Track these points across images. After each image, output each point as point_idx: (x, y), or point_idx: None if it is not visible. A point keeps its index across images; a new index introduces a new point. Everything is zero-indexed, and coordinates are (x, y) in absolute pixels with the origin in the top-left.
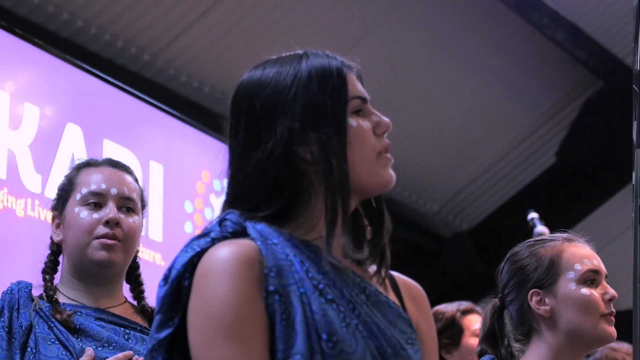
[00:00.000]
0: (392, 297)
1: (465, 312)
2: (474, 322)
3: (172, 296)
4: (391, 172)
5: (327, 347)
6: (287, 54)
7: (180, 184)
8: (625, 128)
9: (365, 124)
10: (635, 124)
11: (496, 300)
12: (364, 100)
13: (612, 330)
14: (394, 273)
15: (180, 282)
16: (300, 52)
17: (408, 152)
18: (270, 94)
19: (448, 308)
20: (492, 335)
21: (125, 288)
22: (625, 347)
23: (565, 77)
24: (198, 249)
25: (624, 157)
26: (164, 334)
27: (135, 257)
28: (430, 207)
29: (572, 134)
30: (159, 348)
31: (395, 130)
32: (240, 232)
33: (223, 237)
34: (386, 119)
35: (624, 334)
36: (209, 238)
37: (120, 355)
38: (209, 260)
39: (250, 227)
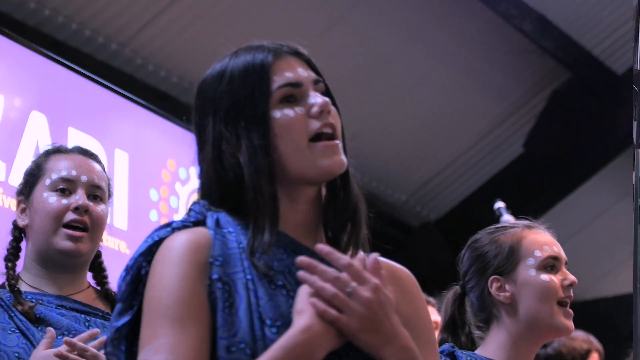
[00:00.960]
0: None
1: None
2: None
3: (131, 285)
4: (334, 158)
5: (270, 332)
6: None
7: (145, 172)
8: (592, 119)
9: (297, 110)
10: (635, 124)
11: (457, 287)
12: (295, 85)
13: (570, 323)
14: (381, 258)
15: (139, 271)
16: (241, 46)
17: (376, 143)
18: (204, 92)
19: None
20: (452, 324)
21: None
22: (581, 335)
23: (533, 68)
24: (157, 238)
25: (591, 148)
26: (121, 321)
27: (100, 255)
28: (398, 197)
29: (539, 125)
30: (120, 337)
31: (363, 120)
32: (202, 221)
33: (184, 227)
34: (320, 99)
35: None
36: (170, 228)
37: (85, 334)
38: (163, 248)
39: (209, 216)
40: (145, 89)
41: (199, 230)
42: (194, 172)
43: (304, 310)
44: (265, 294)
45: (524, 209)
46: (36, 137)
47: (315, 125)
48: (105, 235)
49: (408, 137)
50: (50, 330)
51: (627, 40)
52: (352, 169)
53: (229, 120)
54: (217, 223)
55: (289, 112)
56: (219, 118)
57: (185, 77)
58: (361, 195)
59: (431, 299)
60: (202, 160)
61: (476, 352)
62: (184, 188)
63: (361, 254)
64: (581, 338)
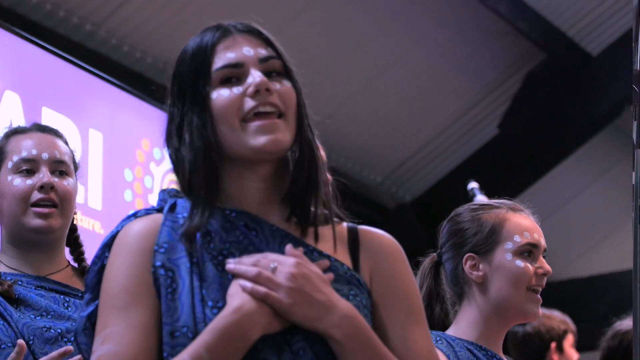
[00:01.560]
0: (342, 252)
1: None
2: None
3: (97, 275)
4: (267, 137)
5: (211, 313)
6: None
7: (120, 152)
8: (567, 100)
9: (234, 90)
10: (635, 124)
11: (434, 255)
12: (234, 66)
13: (537, 310)
14: (363, 227)
15: (102, 261)
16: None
17: (351, 124)
18: (170, 76)
19: None
20: (427, 296)
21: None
22: (558, 315)
23: (507, 49)
24: (120, 228)
25: (566, 129)
26: (87, 310)
27: (73, 219)
28: (373, 178)
29: (514, 106)
30: (90, 325)
31: (338, 101)
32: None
33: (146, 214)
34: (258, 78)
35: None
36: (133, 217)
37: (55, 353)
38: (118, 238)
39: (169, 202)
40: (120, 70)
41: (154, 217)
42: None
43: (235, 293)
44: (210, 275)
45: (498, 190)
46: (9, 117)
47: (250, 104)
48: (79, 215)
49: (383, 118)
50: (20, 345)
51: (602, 22)
52: (322, 147)
53: (177, 101)
54: (172, 208)
55: (224, 92)
56: (171, 99)
57: (160, 58)
58: (327, 170)
59: None
60: (167, 147)
61: (448, 331)
62: (158, 168)
63: (344, 225)
64: (559, 318)
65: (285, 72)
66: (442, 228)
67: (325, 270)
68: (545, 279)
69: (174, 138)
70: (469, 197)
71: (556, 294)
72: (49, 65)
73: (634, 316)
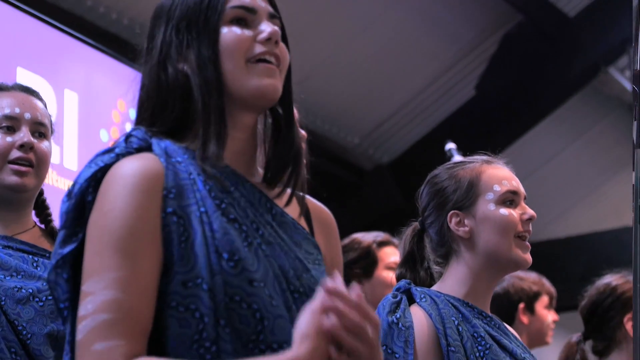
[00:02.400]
0: (301, 219)
1: (382, 244)
2: (390, 255)
3: (75, 211)
4: (269, 80)
5: (228, 266)
6: None
7: (95, 112)
8: (543, 62)
9: (245, 31)
10: (635, 124)
11: (416, 223)
12: (249, 10)
13: (528, 256)
14: (306, 197)
15: (83, 197)
16: None
17: (328, 85)
18: (161, 5)
19: (365, 238)
20: (411, 259)
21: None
22: (532, 276)
23: (484, 10)
24: (102, 164)
25: (543, 91)
26: (67, 249)
27: (42, 193)
28: (350, 140)
29: (491, 68)
30: (64, 264)
31: (315, 63)
32: (145, 148)
33: (128, 153)
34: (271, 28)
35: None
36: (114, 154)
37: None
38: (112, 174)
39: (156, 143)
40: (96, 31)
41: (149, 157)
42: None
43: (309, 336)
44: (220, 227)
45: (476, 152)
46: None
47: (259, 49)
48: (55, 176)
49: (360, 80)
50: None
51: None
52: (298, 112)
53: (180, 29)
54: (166, 152)
55: (236, 30)
56: (171, 27)
57: (136, 20)
58: (303, 137)
59: (394, 240)
60: (145, 71)
61: (433, 287)
62: None
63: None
64: (532, 279)
65: (282, 35)
66: (421, 192)
67: (296, 233)
68: (531, 224)
69: (172, 63)
70: (446, 158)
71: (532, 255)
72: (24, 26)
73: (634, 316)
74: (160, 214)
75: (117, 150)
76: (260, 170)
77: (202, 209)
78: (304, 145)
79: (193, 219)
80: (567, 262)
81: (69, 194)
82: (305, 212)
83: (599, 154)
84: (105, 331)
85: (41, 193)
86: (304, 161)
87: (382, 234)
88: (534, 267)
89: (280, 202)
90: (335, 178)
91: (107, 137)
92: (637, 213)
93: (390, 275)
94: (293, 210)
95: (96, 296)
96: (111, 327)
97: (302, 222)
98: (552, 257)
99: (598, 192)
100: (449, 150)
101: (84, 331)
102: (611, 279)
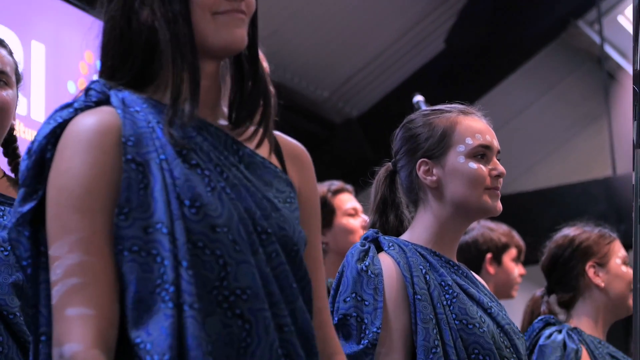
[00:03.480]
0: (272, 158)
1: (336, 192)
2: (346, 201)
3: (34, 169)
4: (235, 31)
5: (189, 212)
6: None
7: (63, 64)
8: (513, 14)
9: None
10: (635, 124)
11: (389, 164)
12: None
13: (498, 204)
14: (278, 134)
15: (43, 154)
16: None
17: (297, 39)
18: None
19: (319, 189)
20: (382, 202)
21: (3, 162)
22: (503, 228)
23: None
24: (60, 120)
25: (512, 44)
26: (26, 207)
27: (12, 130)
28: (320, 93)
29: (460, 21)
30: (24, 222)
31: (284, 17)
32: (104, 101)
33: (86, 107)
34: None
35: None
36: (72, 109)
37: None
38: (69, 131)
39: (114, 95)
40: None
41: (106, 110)
42: None
43: None
44: (181, 173)
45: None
46: None
47: (224, 6)
48: (22, 127)
49: (329, 34)
50: None
51: None
52: (268, 62)
53: None
54: (123, 102)
55: None
56: None
57: None
58: (270, 80)
59: (348, 187)
60: (106, 20)
61: (402, 236)
62: None
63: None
64: (502, 231)
65: None
66: (396, 135)
67: (266, 173)
68: (501, 180)
69: (135, 15)
70: (414, 111)
71: (507, 206)
72: None
73: (634, 316)
74: (120, 164)
75: (75, 105)
76: (226, 111)
77: (162, 157)
78: (271, 90)
79: (152, 166)
80: (536, 215)
81: (29, 151)
82: (277, 149)
83: (568, 107)
84: (76, 296)
85: (13, 141)
86: (273, 100)
87: (335, 182)
88: (502, 220)
89: (250, 143)
90: (304, 132)
91: (75, 88)
92: (637, 213)
93: (351, 222)
94: (263, 150)
95: (63, 260)
96: (81, 292)
97: (274, 160)
98: (521, 210)
99: (567, 146)
100: (417, 102)
101: (57, 296)
102: (568, 230)
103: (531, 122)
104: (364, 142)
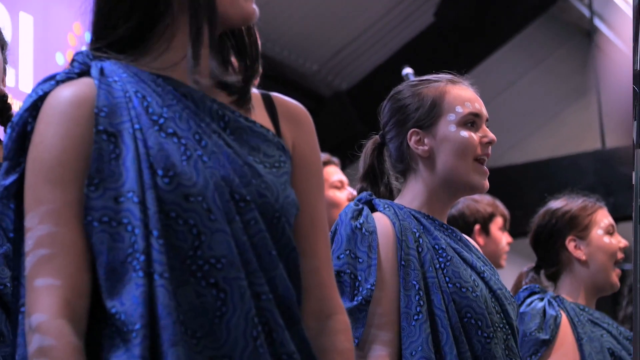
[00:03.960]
0: (264, 119)
1: (322, 164)
2: (332, 174)
3: (17, 142)
4: (254, 6)
5: (162, 182)
6: None
7: (51, 35)
8: None
9: None
10: (635, 123)
11: (377, 137)
12: None
13: (485, 182)
14: (275, 94)
15: (24, 127)
16: None
17: (288, 12)
18: None
19: None
20: (371, 173)
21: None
22: (486, 198)
23: None
24: (41, 93)
25: (500, 17)
26: (9, 180)
27: (6, 98)
28: (309, 66)
29: None
30: (8, 195)
31: None
32: (86, 72)
33: (68, 79)
34: None
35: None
36: (54, 81)
37: None
38: (47, 104)
39: (94, 65)
40: None
41: (83, 82)
42: None
43: None
44: (155, 143)
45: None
46: None
47: None
48: (10, 99)
49: (319, 7)
50: None
51: None
52: (258, 35)
53: None
54: (102, 72)
55: None
56: None
57: None
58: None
59: (334, 159)
60: None
61: (394, 201)
62: None
63: (256, 91)
64: (486, 201)
65: None
66: (383, 108)
67: (253, 137)
68: (490, 148)
69: None
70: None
71: (490, 181)
72: None
73: (634, 316)
74: (91, 136)
75: (57, 77)
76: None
77: (137, 126)
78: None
79: (125, 136)
80: (525, 188)
81: (12, 125)
82: (272, 111)
83: (558, 81)
84: (44, 267)
85: (8, 109)
86: (255, 59)
87: (322, 154)
88: (492, 194)
89: (240, 107)
90: None
91: (63, 60)
92: (637, 213)
93: (337, 194)
94: (255, 113)
95: (34, 231)
96: (49, 263)
97: (266, 122)
98: (510, 183)
99: (557, 119)
100: (406, 75)
101: (28, 267)
102: (553, 204)
103: (520, 96)
104: (353, 115)
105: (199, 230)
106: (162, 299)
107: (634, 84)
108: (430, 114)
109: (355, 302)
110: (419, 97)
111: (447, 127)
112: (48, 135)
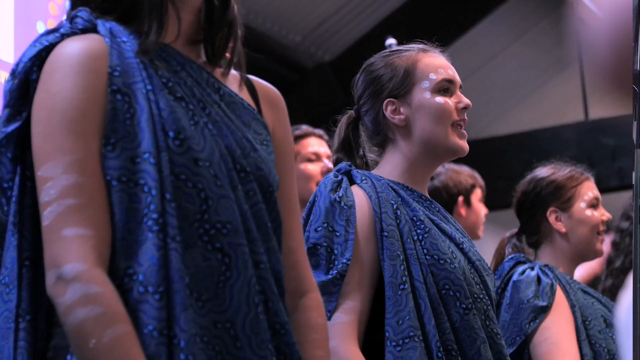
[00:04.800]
0: (249, 99)
1: (300, 137)
2: (307, 146)
3: (19, 90)
4: None
5: (174, 144)
6: None
7: (32, 4)
8: None
9: None
10: (635, 124)
11: (351, 111)
12: None
13: (464, 144)
14: (252, 77)
15: (28, 75)
16: None
17: None
18: None
19: None
20: (347, 146)
21: None
22: (466, 170)
23: None
24: (46, 44)
25: None
26: (11, 127)
27: None
28: (292, 38)
29: None
30: (8, 143)
31: None
32: (90, 30)
33: (73, 33)
34: None
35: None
36: (59, 34)
37: None
38: (57, 54)
39: (101, 24)
40: None
41: (94, 37)
42: None
43: None
44: (166, 105)
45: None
46: None
47: None
48: None
49: None
50: None
51: None
52: (241, 6)
53: None
54: (111, 32)
55: None
56: None
57: None
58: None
59: (317, 131)
60: None
61: (372, 172)
62: None
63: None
64: (467, 173)
65: None
66: (356, 81)
67: (245, 113)
68: (466, 113)
69: None
70: None
71: (473, 152)
72: None
73: (634, 316)
74: (107, 91)
75: (62, 31)
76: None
77: (149, 87)
78: (239, 23)
79: (139, 96)
80: (508, 159)
81: (13, 72)
82: (253, 92)
83: (540, 53)
84: (74, 217)
85: None
86: (240, 38)
87: (303, 126)
88: (474, 165)
89: (229, 83)
90: (276, 76)
91: (44, 29)
92: (637, 213)
93: (309, 167)
94: (241, 92)
95: (57, 181)
96: (78, 213)
97: (251, 103)
98: (493, 155)
99: (540, 92)
100: (389, 45)
101: (51, 217)
102: (539, 172)
103: (503, 69)
104: (336, 86)
105: (207, 195)
106: (174, 262)
107: (633, 84)
108: (404, 83)
109: (329, 276)
110: (392, 67)
111: (422, 94)
112: (66, 85)
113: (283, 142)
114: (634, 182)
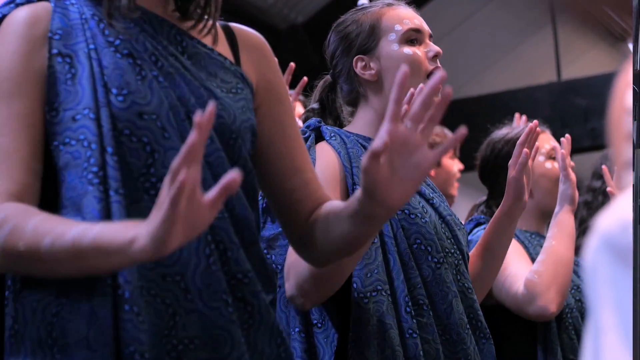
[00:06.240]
0: (224, 49)
1: None
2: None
3: None
4: None
5: (116, 100)
6: None
7: None
8: None
9: None
10: (635, 124)
11: (328, 76)
12: None
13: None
14: (235, 25)
15: None
16: None
17: None
18: None
19: None
20: (320, 106)
21: None
22: (436, 128)
23: None
24: (0, 15)
25: None
26: None
27: None
28: (265, 0)
29: None
30: None
31: None
32: None
33: (27, 2)
34: None
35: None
36: (13, 4)
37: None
38: (4, 24)
39: None
40: None
41: (40, 5)
42: None
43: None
44: (110, 62)
45: None
46: None
47: None
48: None
49: None
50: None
51: None
52: None
53: None
54: None
55: None
56: None
57: None
58: None
59: (291, 92)
60: None
61: (344, 128)
62: None
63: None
64: (436, 132)
65: None
66: (328, 41)
67: (211, 64)
68: (438, 61)
69: None
70: None
71: (446, 113)
72: None
73: (634, 316)
74: (45, 56)
75: (17, 1)
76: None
77: (92, 46)
78: None
79: (80, 56)
80: (480, 120)
81: None
82: (232, 41)
83: (513, 15)
84: None
85: None
86: None
87: None
88: (447, 126)
89: (199, 34)
90: None
91: None
92: (637, 213)
93: None
94: (208, 39)
95: None
96: None
97: (225, 51)
98: (467, 115)
99: (513, 53)
100: (362, 5)
101: None
102: (494, 134)
103: (476, 31)
104: (308, 48)
105: (153, 148)
106: (117, 215)
107: (633, 84)
108: (370, 37)
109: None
110: (358, 23)
111: (390, 46)
112: (2, 52)
113: (273, 84)
114: (633, 182)
